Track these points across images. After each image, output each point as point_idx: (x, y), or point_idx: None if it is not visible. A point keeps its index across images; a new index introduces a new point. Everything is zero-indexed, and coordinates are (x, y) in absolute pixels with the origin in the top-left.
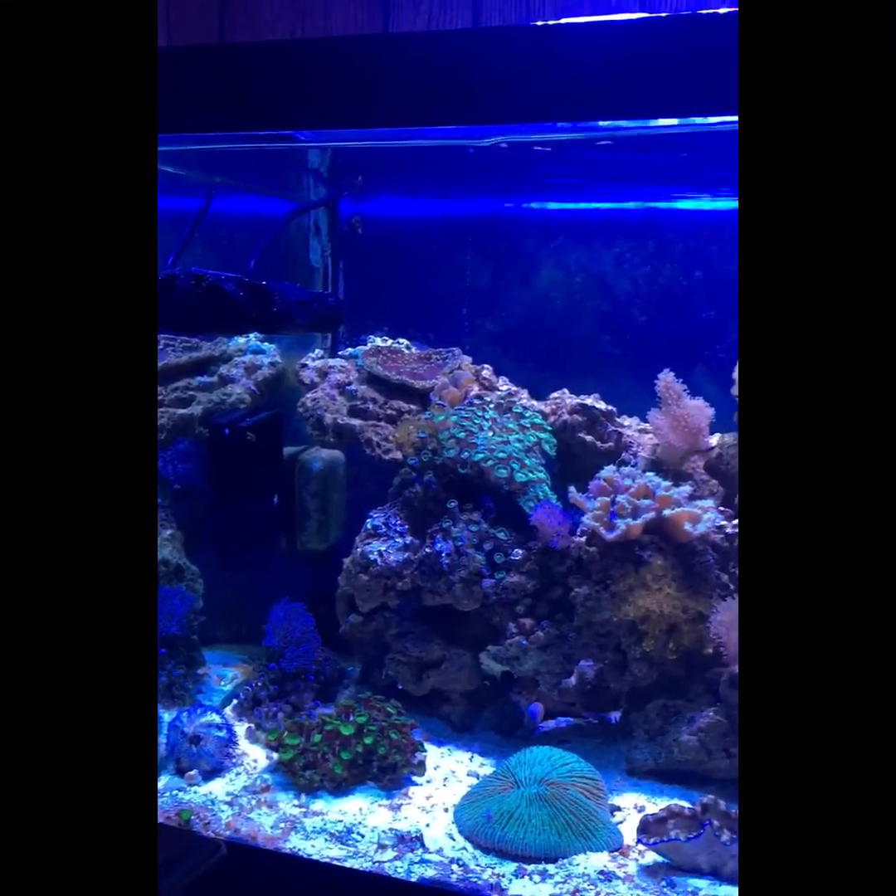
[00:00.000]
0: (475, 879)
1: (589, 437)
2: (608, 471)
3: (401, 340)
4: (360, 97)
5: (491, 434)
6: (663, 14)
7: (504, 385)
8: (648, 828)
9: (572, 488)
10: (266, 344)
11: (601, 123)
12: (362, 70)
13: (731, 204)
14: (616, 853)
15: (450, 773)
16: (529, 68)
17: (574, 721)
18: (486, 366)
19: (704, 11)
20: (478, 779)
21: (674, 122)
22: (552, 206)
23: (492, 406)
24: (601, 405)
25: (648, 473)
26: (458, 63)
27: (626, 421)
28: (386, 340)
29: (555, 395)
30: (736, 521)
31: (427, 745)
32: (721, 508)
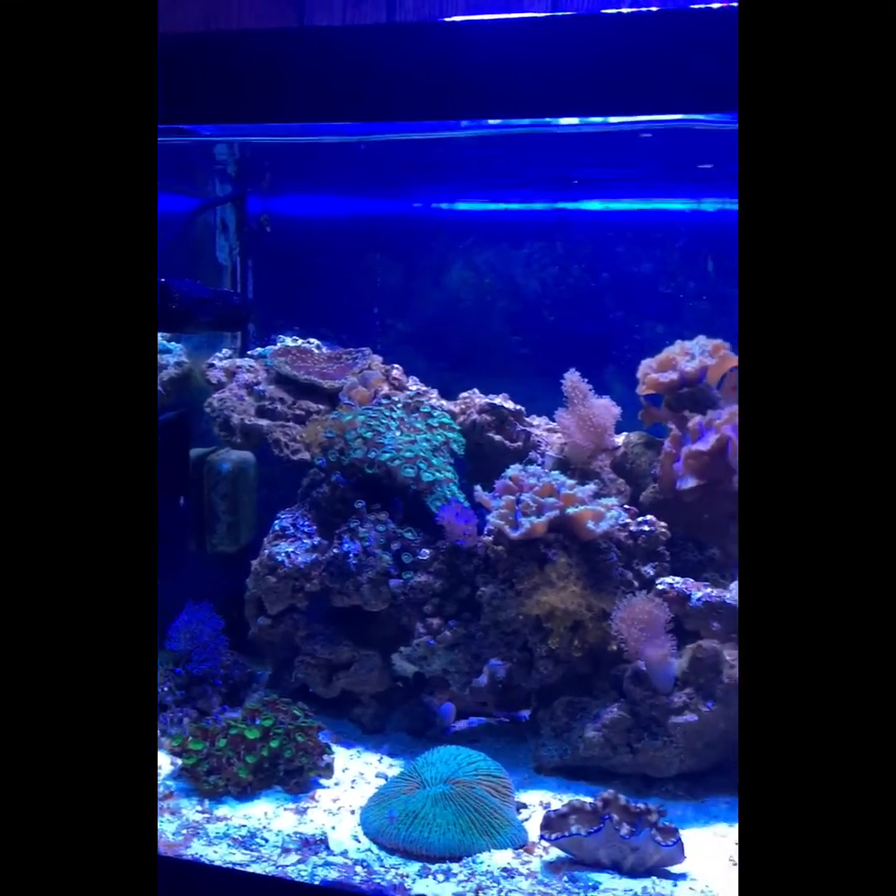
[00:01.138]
0: (379, 880)
1: (498, 437)
2: (514, 469)
3: (311, 340)
4: (267, 91)
5: (398, 434)
6: (570, 13)
7: (414, 385)
8: (551, 824)
9: (478, 487)
10: (172, 343)
11: (516, 121)
12: (272, 63)
13: (637, 205)
14: (520, 850)
15: (358, 775)
16: (440, 65)
17: (486, 720)
18: (396, 366)
19: (608, 11)
20: (387, 780)
21: (574, 121)
22: (461, 206)
23: (400, 406)
24: (510, 405)
25: (554, 472)
26: (370, 58)
27: (535, 420)
28: (296, 340)
29: (464, 394)
30: (640, 519)
31: (336, 748)
32: (626, 506)
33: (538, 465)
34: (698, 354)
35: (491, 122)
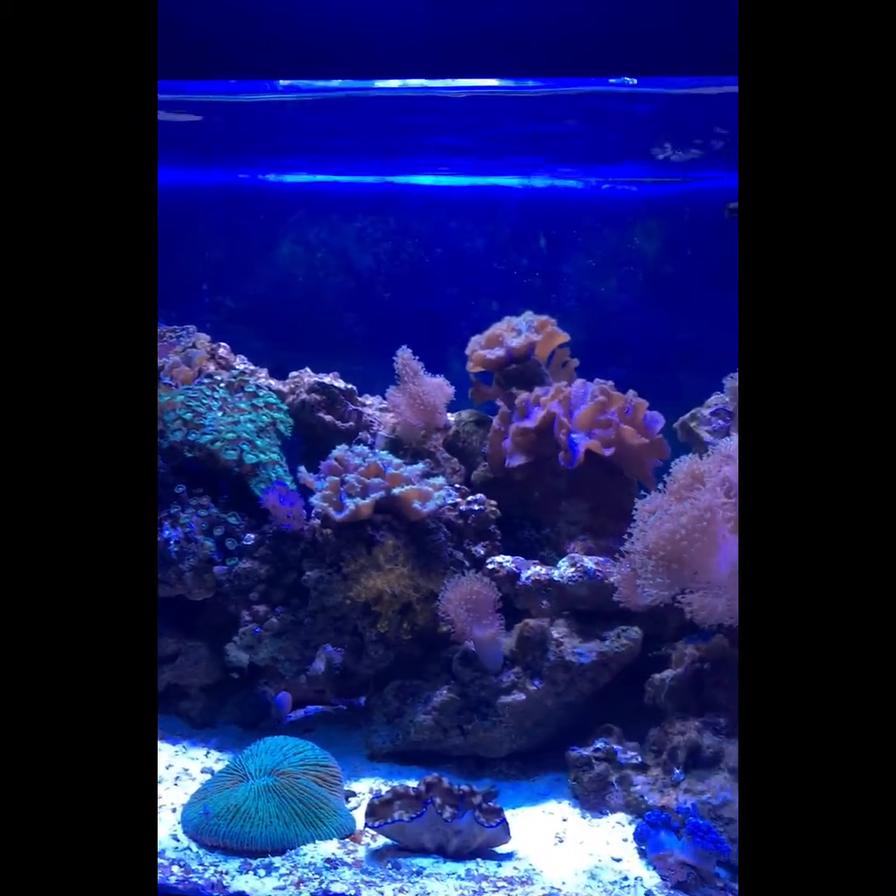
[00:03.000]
0: (196, 879)
1: (328, 417)
2: (340, 450)
3: None
4: None
5: (220, 414)
6: None
7: (241, 364)
8: (375, 811)
9: (302, 468)
10: None
11: (335, 83)
12: None
13: (469, 180)
14: (347, 839)
15: (183, 772)
16: (251, 23)
17: (323, 708)
18: (223, 344)
19: None
20: (212, 775)
21: (394, 84)
22: (290, 178)
23: (223, 385)
24: (341, 384)
25: (382, 452)
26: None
27: (368, 400)
28: None
29: (294, 374)
30: (471, 498)
31: (160, 744)
32: (457, 486)
33: (369, 445)
34: (525, 330)
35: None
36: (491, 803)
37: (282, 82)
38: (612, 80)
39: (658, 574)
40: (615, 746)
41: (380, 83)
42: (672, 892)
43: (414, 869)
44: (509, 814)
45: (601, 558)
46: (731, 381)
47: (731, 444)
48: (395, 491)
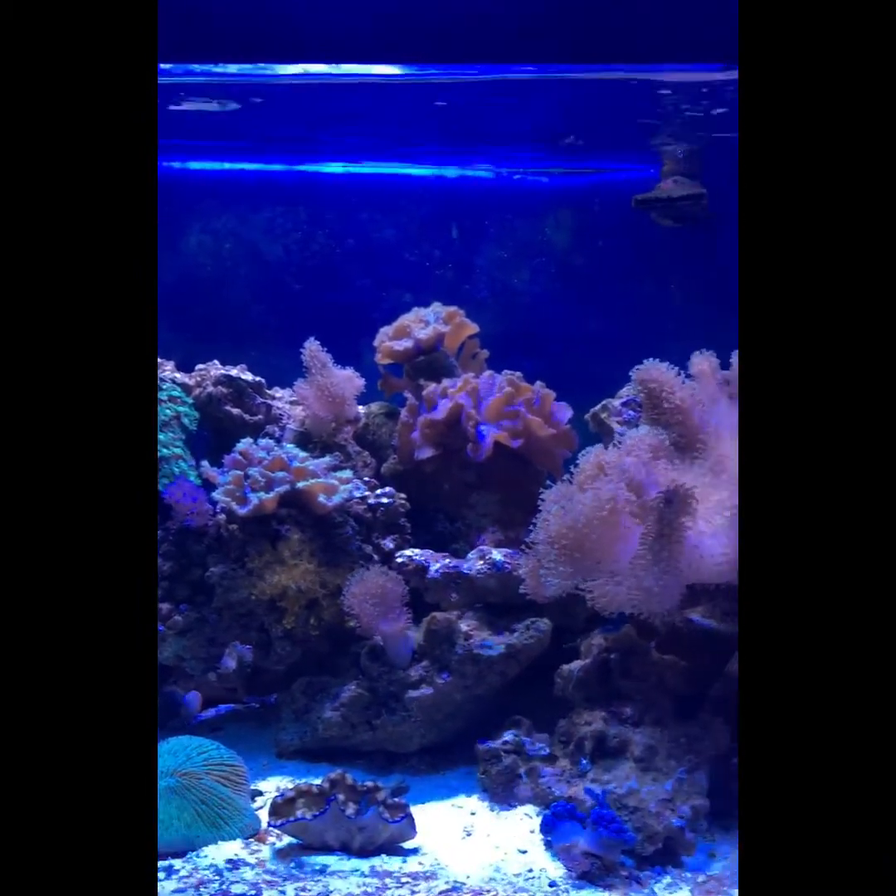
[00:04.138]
0: None
1: (236, 410)
2: (244, 444)
3: None
4: None
5: None
6: None
7: None
8: (278, 809)
9: (205, 462)
10: None
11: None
12: None
13: (380, 169)
14: (251, 839)
15: None
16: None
17: (234, 707)
18: None
19: None
20: None
21: (296, 70)
22: (194, 165)
23: None
24: (248, 376)
25: (288, 445)
26: None
27: (278, 392)
28: None
29: (200, 366)
30: (380, 491)
31: None
32: (367, 479)
33: (277, 439)
34: (433, 321)
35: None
36: (396, 799)
37: (177, 66)
38: (517, 67)
39: (560, 564)
40: (524, 739)
41: (281, 69)
42: (576, 882)
43: (317, 867)
44: (418, 808)
45: (510, 550)
46: (638, 372)
47: (634, 434)
48: (300, 485)
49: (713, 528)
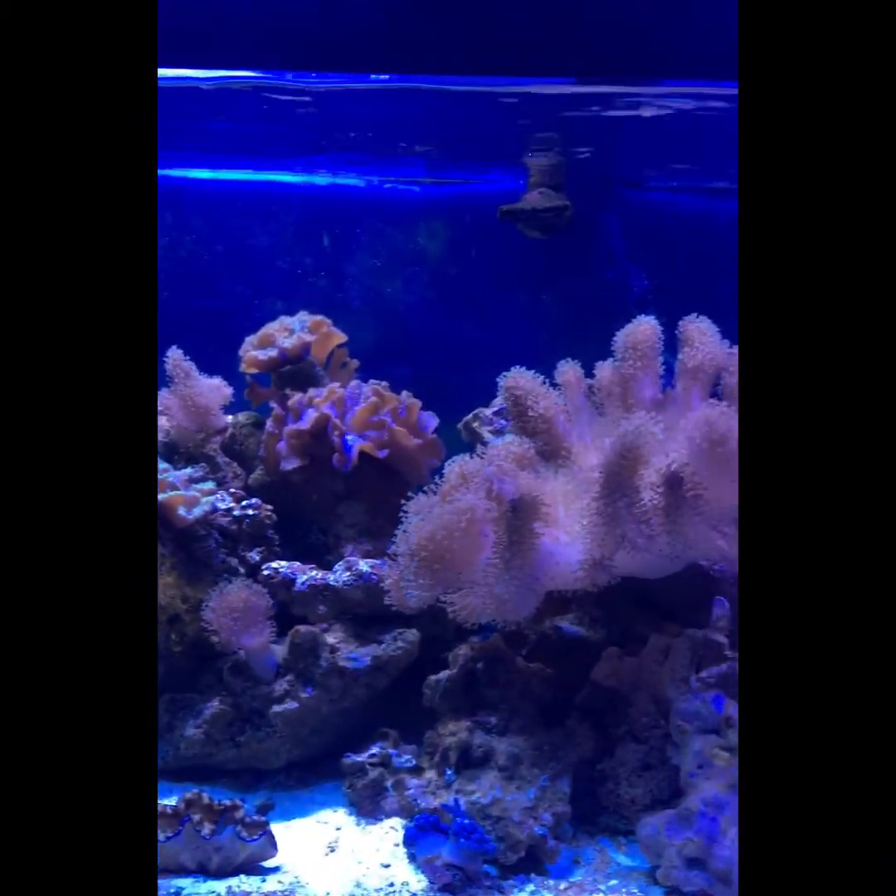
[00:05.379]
0: None
1: None
2: None
3: None
4: None
5: None
6: None
7: None
8: None
9: None
10: None
11: None
12: None
13: (248, 175)
14: None
15: None
16: None
17: None
18: None
19: None
20: None
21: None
22: None
23: None
24: None
25: None
26: None
27: None
28: None
29: None
30: (245, 503)
31: None
32: (233, 490)
33: None
34: (298, 330)
35: None
36: (256, 817)
37: None
38: (374, 77)
39: (421, 575)
40: (391, 751)
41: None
42: (438, 894)
43: (172, 890)
44: (283, 825)
45: (377, 561)
46: (504, 381)
47: (498, 443)
48: (159, 497)
49: (571, 536)
